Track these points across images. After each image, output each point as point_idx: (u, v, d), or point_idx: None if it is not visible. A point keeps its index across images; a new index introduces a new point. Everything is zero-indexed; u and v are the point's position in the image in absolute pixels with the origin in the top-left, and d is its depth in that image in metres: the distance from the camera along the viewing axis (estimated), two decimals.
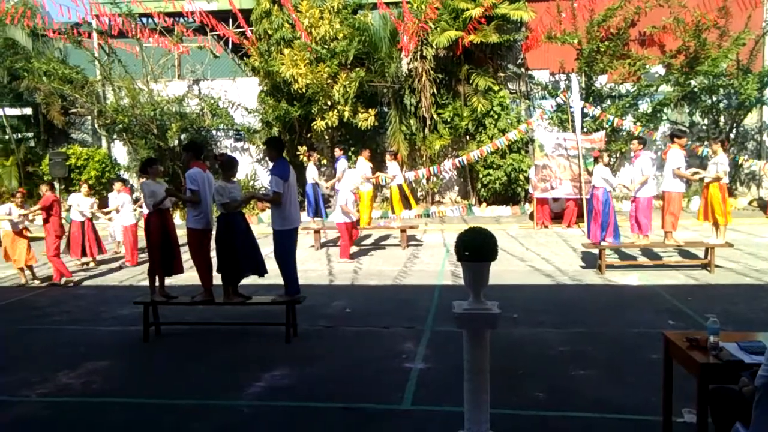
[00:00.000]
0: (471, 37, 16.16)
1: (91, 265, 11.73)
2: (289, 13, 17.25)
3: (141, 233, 11.73)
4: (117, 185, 12.44)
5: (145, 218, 7.32)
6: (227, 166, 6.84)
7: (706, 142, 15.71)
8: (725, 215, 9.49)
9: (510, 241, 12.72)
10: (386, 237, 13.95)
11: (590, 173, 10.64)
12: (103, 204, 13.63)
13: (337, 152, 13.92)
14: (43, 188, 10.21)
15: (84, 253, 11.56)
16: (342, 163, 13.35)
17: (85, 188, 11.97)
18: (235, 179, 6.96)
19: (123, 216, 11.90)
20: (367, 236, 14.17)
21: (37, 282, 10.22)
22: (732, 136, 17.07)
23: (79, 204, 11.54)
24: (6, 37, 18.97)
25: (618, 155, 16.93)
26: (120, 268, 11.50)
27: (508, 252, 11.30)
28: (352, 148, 17.68)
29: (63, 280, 10.02)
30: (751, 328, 5.94)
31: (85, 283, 10.32)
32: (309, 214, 13.79)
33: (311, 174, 13.76)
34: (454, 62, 17.27)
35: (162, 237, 7.06)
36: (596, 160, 10.50)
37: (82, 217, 11.53)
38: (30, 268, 10.21)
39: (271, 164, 6.94)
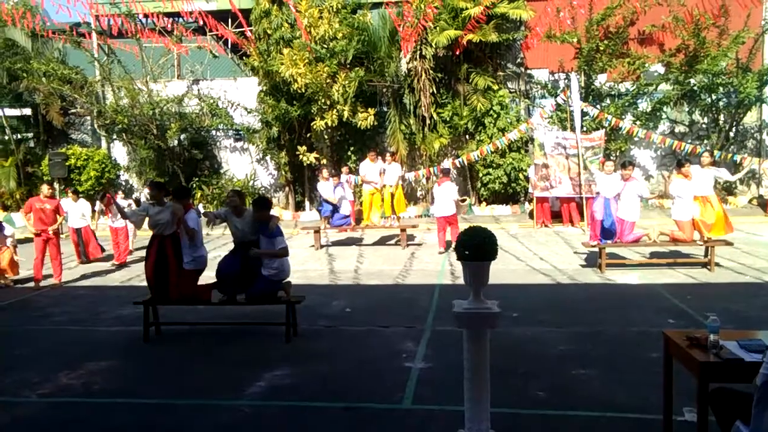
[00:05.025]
0: (470, 36, 16.16)
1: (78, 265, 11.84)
2: (288, 13, 17.26)
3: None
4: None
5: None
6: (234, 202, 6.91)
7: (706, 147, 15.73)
8: (722, 225, 9.54)
9: (510, 241, 12.73)
10: (387, 237, 13.95)
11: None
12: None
13: (344, 171, 14.18)
14: (45, 188, 10.19)
15: (86, 256, 11.81)
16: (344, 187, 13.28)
17: (70, 194, 12.15)
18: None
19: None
20: (369, 236, 14.19)
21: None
22: (731, 134, 17.09)
23: (70, 210, 11.74)
24: (5, 37, 18.94)
25: (617, 154, 16.95)
26: (117, 268, 11.56)
27: (508, 251, 11.31)
28: (352, 148, 17.72)
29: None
30: (750, 326, 5.96)
31: (86, 283, 10.33)
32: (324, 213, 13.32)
33: (324, 192, 12.84)
34: (453, 61, 17.27)
35: (154, 262, 6.94)
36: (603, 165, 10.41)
37: (77, 224, 11.77)
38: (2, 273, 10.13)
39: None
